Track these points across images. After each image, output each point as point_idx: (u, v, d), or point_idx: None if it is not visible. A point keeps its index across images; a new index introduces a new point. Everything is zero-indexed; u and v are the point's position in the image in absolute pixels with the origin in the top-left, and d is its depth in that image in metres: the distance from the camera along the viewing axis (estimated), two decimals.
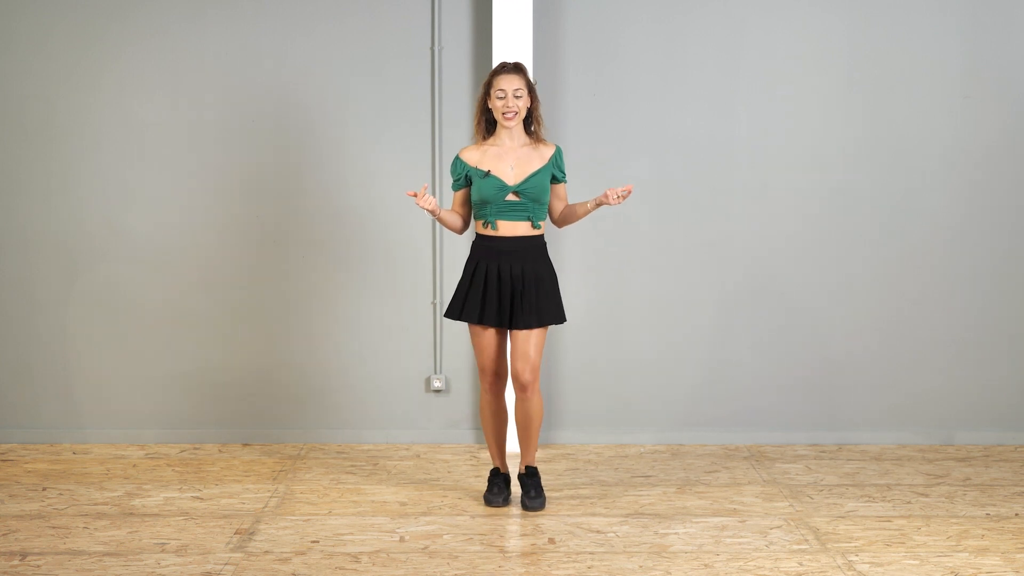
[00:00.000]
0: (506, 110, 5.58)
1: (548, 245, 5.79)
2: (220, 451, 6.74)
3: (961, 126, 6.82)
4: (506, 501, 5.75)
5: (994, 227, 6.86)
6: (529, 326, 5.61)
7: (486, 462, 6.51)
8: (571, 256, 6.77)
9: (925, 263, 6.87)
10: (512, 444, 6.34)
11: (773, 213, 6.85)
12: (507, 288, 5.59)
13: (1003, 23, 6.80)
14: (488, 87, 5.64)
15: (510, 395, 5.97)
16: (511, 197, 5.58)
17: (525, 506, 5.71)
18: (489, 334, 5.67)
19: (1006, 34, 6.80)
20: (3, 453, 6.69)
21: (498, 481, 5.78)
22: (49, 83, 6.75)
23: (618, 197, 5.57)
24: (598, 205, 5.64)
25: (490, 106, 5.64)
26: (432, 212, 5.57)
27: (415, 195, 5.53)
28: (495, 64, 6.49)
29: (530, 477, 5.76)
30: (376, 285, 6.85)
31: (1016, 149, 6.84)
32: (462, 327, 6.75)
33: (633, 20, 6.79)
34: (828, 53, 6.81)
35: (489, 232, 5.62)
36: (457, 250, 6.79)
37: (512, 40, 6.56)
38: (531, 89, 5.64)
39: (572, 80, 6.76)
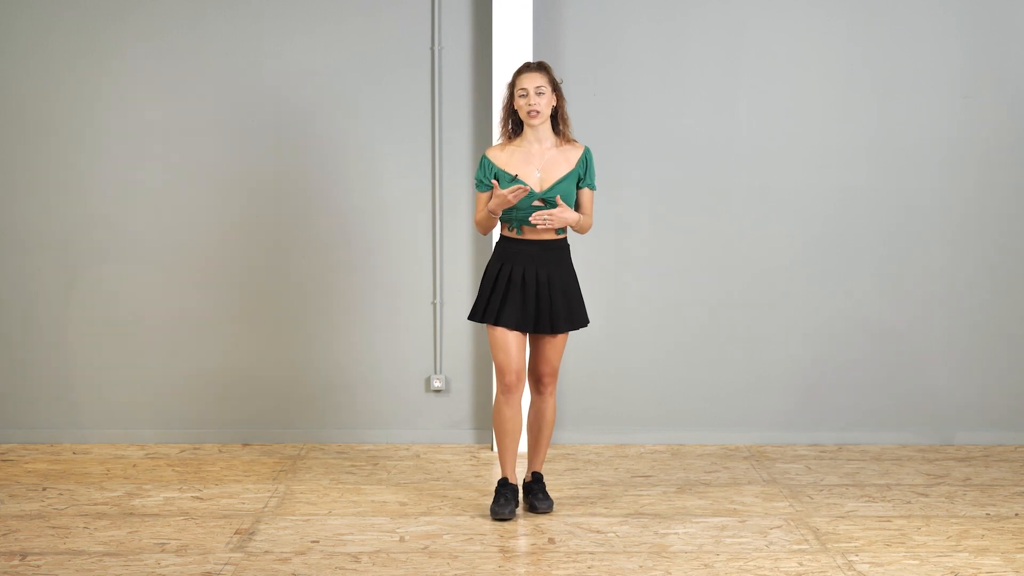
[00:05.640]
0: (529, 108, 5.47)
1: None
2: (220, 451, 6.74)
3: (961, 126, 6.82)
4: (512, 513, 5.56)
5: (994, 227, 6.86)
6: (558, 331, 5.57)
7: (486, 462, 6.51)
8: (571, 256, 6.76)
9: (925, 263, 6.87)
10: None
11: (773, 213, 6.85)
12: (531, 291, 5.54)
13: (1003, 23, 6.80)
14: (512, 87, 5.55)
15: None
16: (536, 203, 5.50)
17: (533, 508, 5.63)
18: (512, 336, 5.54)
19: (1006, 34, 6.80)
20: (3, 453, 6.68)
21: (506, 492, 5.58)
22: (49, 83, 6.75)
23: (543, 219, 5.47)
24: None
25: (515, 107, 5.55)
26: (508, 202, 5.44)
27: (514, 189, 5.42)
28: (495, 64, 6.52)
29: (536, 482, 5.70)
30: (376, 285, 6.85)
31: (1016, 149, 6.83)
32: (463, 327, 6.76)
33: (633, 20, 6.79)
34: (828, 53, 6.81)
35: (514, 235, 5.56)
36: (457, 250, 6.80)
37: (512, 40, 6.56)
38: (556, 87, 5.54)
39: (572, 80, 6.75)
